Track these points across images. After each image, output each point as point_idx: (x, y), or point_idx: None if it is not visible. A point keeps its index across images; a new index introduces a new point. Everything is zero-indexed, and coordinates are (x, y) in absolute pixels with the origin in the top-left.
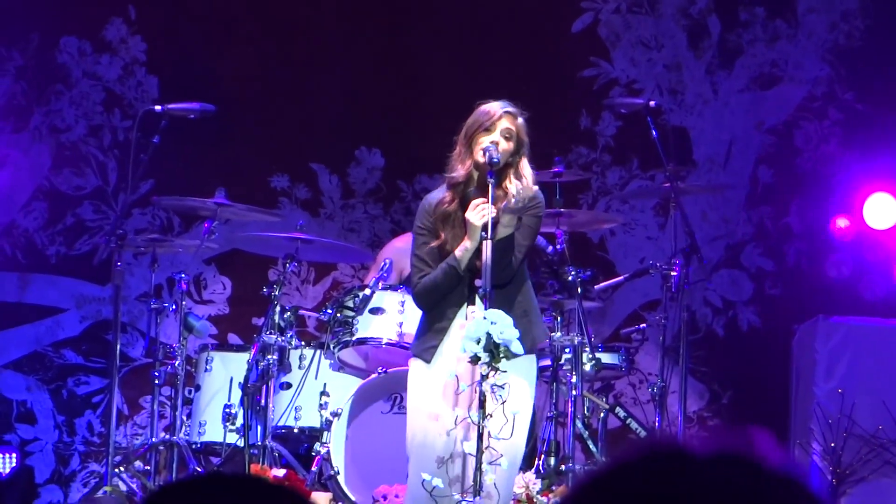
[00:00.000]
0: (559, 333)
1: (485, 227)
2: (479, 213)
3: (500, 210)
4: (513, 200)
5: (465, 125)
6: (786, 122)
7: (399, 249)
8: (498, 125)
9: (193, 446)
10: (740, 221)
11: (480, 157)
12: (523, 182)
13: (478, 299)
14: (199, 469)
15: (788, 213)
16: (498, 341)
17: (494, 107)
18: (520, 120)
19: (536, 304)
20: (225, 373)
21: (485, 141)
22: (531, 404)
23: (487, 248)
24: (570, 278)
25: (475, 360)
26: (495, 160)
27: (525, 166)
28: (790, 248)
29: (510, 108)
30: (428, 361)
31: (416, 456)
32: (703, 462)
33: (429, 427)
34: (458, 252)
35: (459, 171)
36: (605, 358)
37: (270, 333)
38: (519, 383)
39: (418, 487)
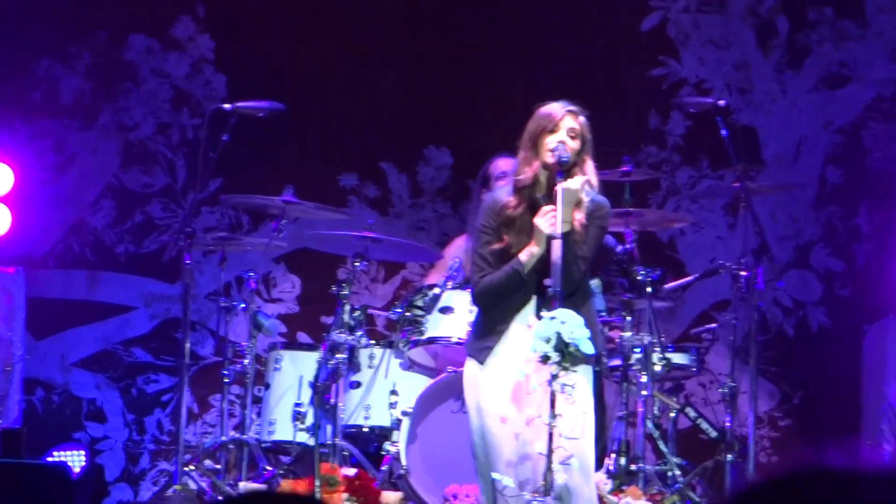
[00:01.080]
0: (629, 333)
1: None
2: (549, 219)
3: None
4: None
5: (526, 129)
6: (854, 123)
7: (465, 247)
8: (562, 125)
9: (263, 445)
10: (809, 221)
11: (549, 158)
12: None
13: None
14: (268, 468)
15: (857, 214)
16: (568, 341)
17: (556, 107)
18: (582, 118)
19: (597, 319)
20: (294, 371)
21: (551, 142)
22: (593, 407)
23: (557, 247)
24: (639, 278)
25: (545, 359)
26: (564, 159)
27: (589, 164)
28: (859, 249)
29: (572, 107)
30: (482, 363)
31: (485, 457)
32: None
33: (496, 429)
34: (523, 256)
35: (527, 173)
36: (676, 358)
37: (340, 332)
38: (582, 385)
39: (488, 487)
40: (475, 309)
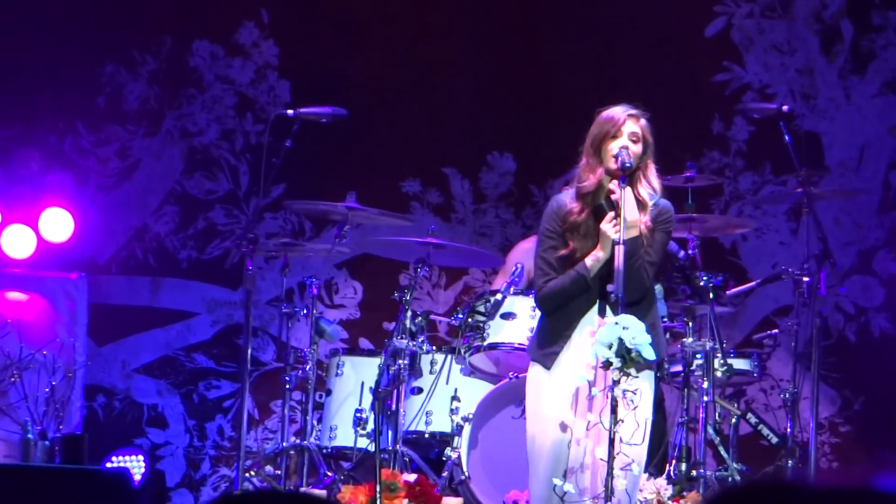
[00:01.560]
0: (691, 339)
1: (617, 227)
2: (614, 225)
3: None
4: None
5: (589, 135)
6: None
7: (526, 251)
8: (624, 130)
9: (324, 451)
10: (872, 227)
11: (612, 164)
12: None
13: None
14: (328, 473)
15: None
16: (630, 346)
17: (617, 112)
18: (643, 121)
19: (661, 325)
20: (356, 377)
21: (614, 147)
22: (652, 412)
23: (620, 253)
24: (701, 283)
25: (607, 365)
26: (628, 165)
27: (651, 168)
28: None
29: (633, 111)
30: (548, 368)
31: (542, 463)
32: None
33: (554, 435)
34: (588, 261)
35: (591, 179)
36: (737, 363)
37: (401, 338)
38: (644, 390)
39: (547, 493)
40: (537, 314)
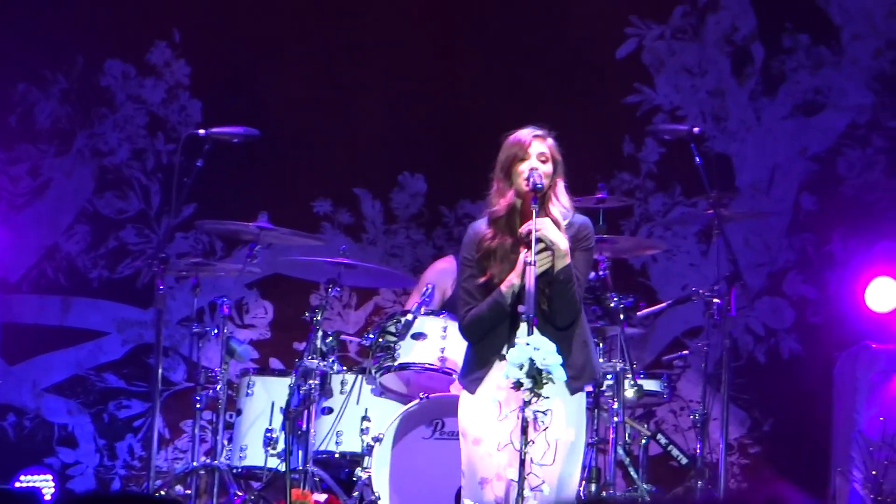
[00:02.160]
0: (601, 360)
1: (529, 252)
2: (529, 249)
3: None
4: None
5: (497, 161)
6: (829, 150)
7: (440, 272)
8: (531, 151)
9: (234, 471)
10: (783, 248)
11: (524, 186)
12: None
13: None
14: (239, 493)
15: (831, 241)
16: (541, 367)
17: (523, 134)
18: (550, 140)
19: (592, 342)
20: (266, 397)
21: (524, 169)
22: (583, 434)
23: (531, 274)
24: (612, 304)
25: (518, 385)
26: (539, 186)
27: (561, 187)
28: (832, 276)
29: (539, 132)
30: (472, 393)
31: (466, 482)
32: None
33: (471, 452)
34: (504, 287)
35: (501, 204)
36: (647, 384)
37: (312, 358)
38: (571, 412)
39: None
40: (448, 334)
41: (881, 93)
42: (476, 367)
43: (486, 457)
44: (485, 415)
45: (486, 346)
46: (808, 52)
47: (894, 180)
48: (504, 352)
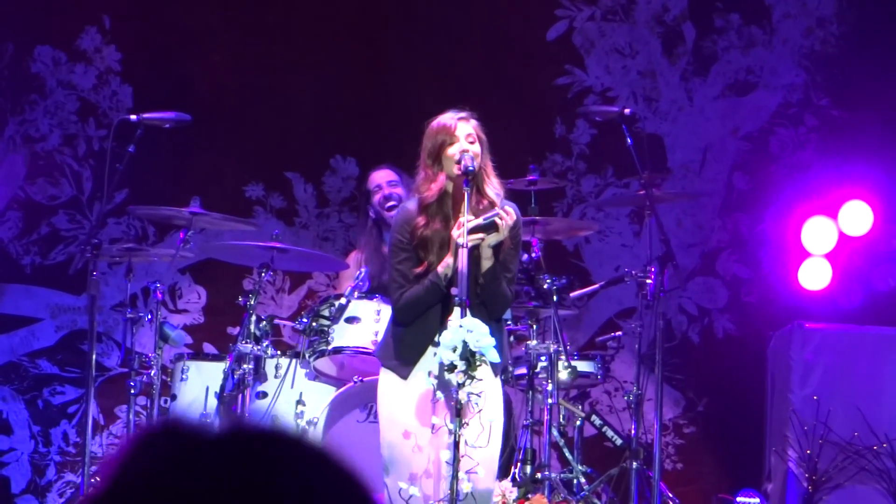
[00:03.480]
0: (535, 341)
1: (461, 234)
2: (460, 227)
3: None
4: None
5: (423, 149)
6: (761, 129)
7: (359, 261)
8: (459, 133)
9: None
10: (715, 228)
11: (455, 170)
12: (500, 204)
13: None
14: None
15: (764, 220)
16: (474, 349)
17: (448, 118)
18: (474, 121)
19: (505, 329)
20: (201, 382)
21: (455, 152)
22: (502, 414)
23: (463, 256)
24: (545, 286)
25: (451, 368)
26: (471, 168)
27: (490, 167)
28: (765, 255)
29: (462, 114)
30: (404, 378)
31: (391, 468)
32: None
33: (402, 443)
34: (440, 268)
35: (432, 189)
36: (581, 366)
37: (246, 343)
38: (492, 393)
39: (396, 497)
40: (381, 317)
41: (812, 71)
42: (407, 352)
43: (417, 451)
44: (418, 405)
45: (417, 330)
46: (739, 32)
47: (826, 159)
48: (437, 338)
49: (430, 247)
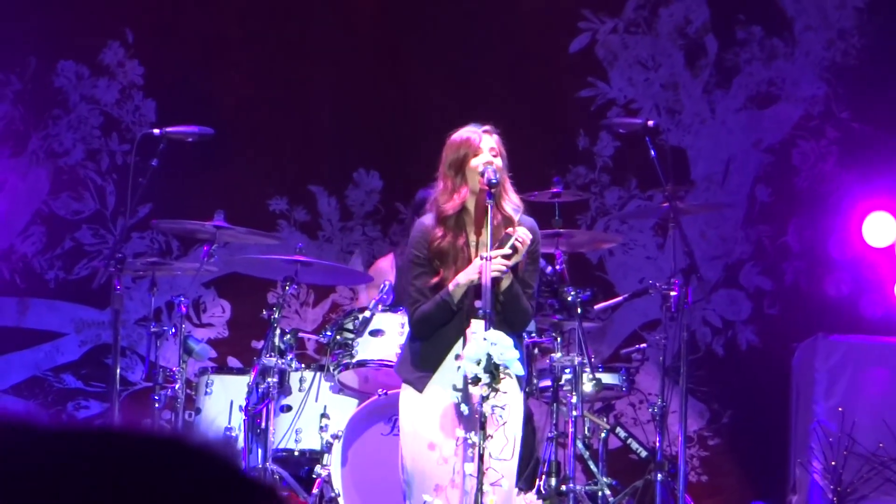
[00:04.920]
0: (559, 354)
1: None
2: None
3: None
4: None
5: (444, 159)
6: (783, 141)
7: (385, 270)
8: (483, 146)
9: None
10: (738, 241)
11: (479, 183)
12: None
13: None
14: None
15: (786, 232)
16: (498, 362)
17: (470, 131)
18: (496, 135)
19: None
20: (225, 396)
21: (478, 164)
22: (521, 425)
23: (487, 269)
24: (569, 298)
25: (476, 381)
26: (495, 181)
27: (508, 182)
28: (788, 267)
29: (486, 127)
30: (420, 391)
31: (414, 483)
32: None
33: (426, 455)
34: (451, 286)
35: (454, 201)
36: (606, 378)
37: (270, 356)
38: (515, 405)
39: None
40: (405, 330)
41: (834, 84)
42: (424, 365)
43: (442, 462)
44: (436, 417)
45: (434, 343)
46: (761, 44)
47: (847, 171)
48: (456, 350)
49: (446, 259)
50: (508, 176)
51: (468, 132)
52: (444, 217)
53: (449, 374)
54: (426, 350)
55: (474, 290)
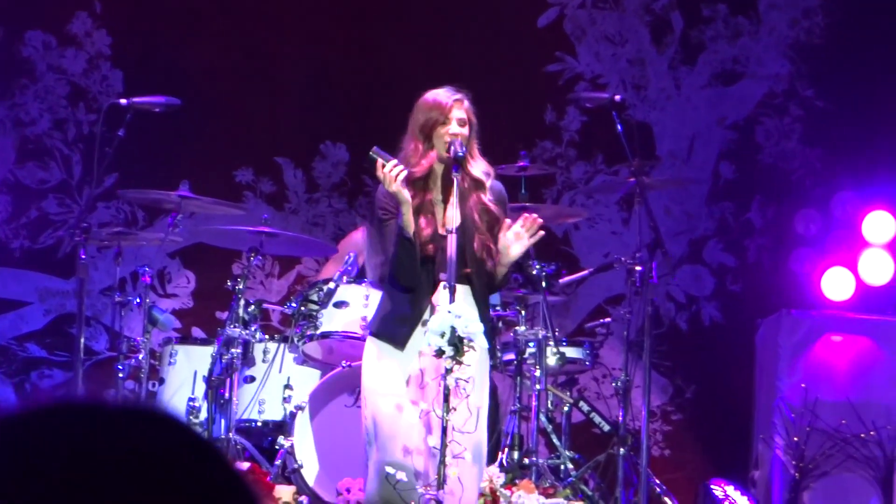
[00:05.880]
0: (523, 327)
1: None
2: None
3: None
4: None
5: (413, 120)
6: (747, 118)
7: (359, 241)
8: (452, 115)
9: None
10: (703, 216)
11: (444, 153)
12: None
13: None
14: None
15: (750, 209)
16: (462, 335)
17: (443, 96)
18: (467, 103)
19: (490, 315)
20: (189, 366)
21: (445, 135)
22: (488, 399)
23: (452, 241)
24: (534, 272)
25: (439, 353)
26: (461, 154)
27: (476, 148)
28: (751, 244)
29: (458, 95)
30: (402, 348)
31: (380, 443)
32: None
33: (392, 417)
34: (401, 221)
35: (422, 165)
36: (569, 352)
37: (234, 327)
38: (479, 378)
39: (382, 480)
40: (370, 302)
41: (797, 62)
42: (400, 321)
43: (409, 427)
44: (412, 381)
45: (412, 302)
46: (726, 22)
47: (810, 149)
48: (426, 317)
49: (420, 214)
50: (477, 141)
51: (440, 97)
52: (412, 179)
53: (416, 339)
54: (402, 305)
55: (441, 263)
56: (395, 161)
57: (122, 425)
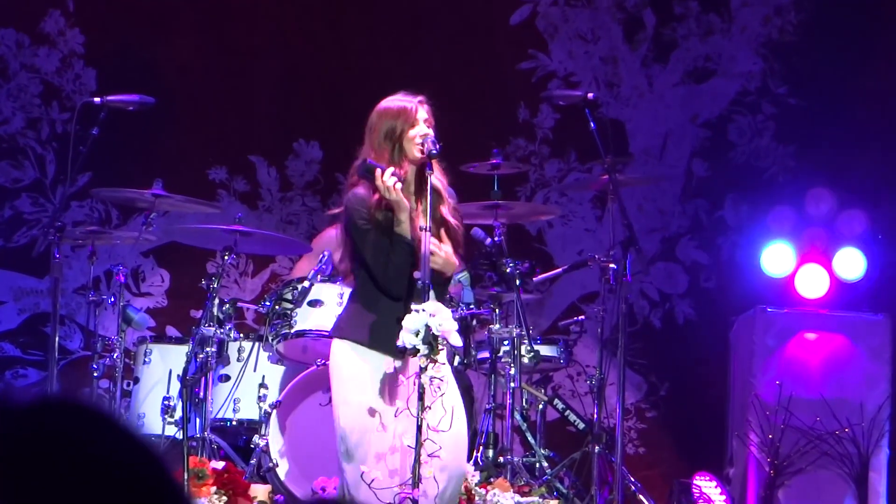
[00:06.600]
0: (498, 325)
1: (423, 218)
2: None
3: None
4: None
5: (376, 130)
6: (720, 116)
7: (333, 239)
8: (419, 117)
9: None
10: (676, 214)
11: (417, 153)
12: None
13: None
14: None
15: (723, 207)
16: (437, 333)
17: (406, 101)
18: (426, 106)
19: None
20: (163, 365)
21: (416, 136)
22: (459, 396)
23: (426, 239)
24: (508, 270)
25: (414, 352)
26: (435, 151)
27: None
28: (724, 241)
29: (420, 97)
30: (401, 357)
31: (355, 452)
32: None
33: (362, 420)
34: (398, 229)
35: (397, 174)
36: (544, 350)
37: (209, 326)
38: (452, 377)
39: (357, 479)
40: (344, 301)
41: (770, 59)
42: (381, 324)
43: (382, 429)
44: (377, 382)
45: (402, 311)
46: (697, 20)
47: (783, 146)
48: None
49: (383, 228)
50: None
51: (403, 102)
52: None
53: (389, 340)
54: (380, 310)
55: (414, 261)
56: (392, 169)
57: (33, 417)
